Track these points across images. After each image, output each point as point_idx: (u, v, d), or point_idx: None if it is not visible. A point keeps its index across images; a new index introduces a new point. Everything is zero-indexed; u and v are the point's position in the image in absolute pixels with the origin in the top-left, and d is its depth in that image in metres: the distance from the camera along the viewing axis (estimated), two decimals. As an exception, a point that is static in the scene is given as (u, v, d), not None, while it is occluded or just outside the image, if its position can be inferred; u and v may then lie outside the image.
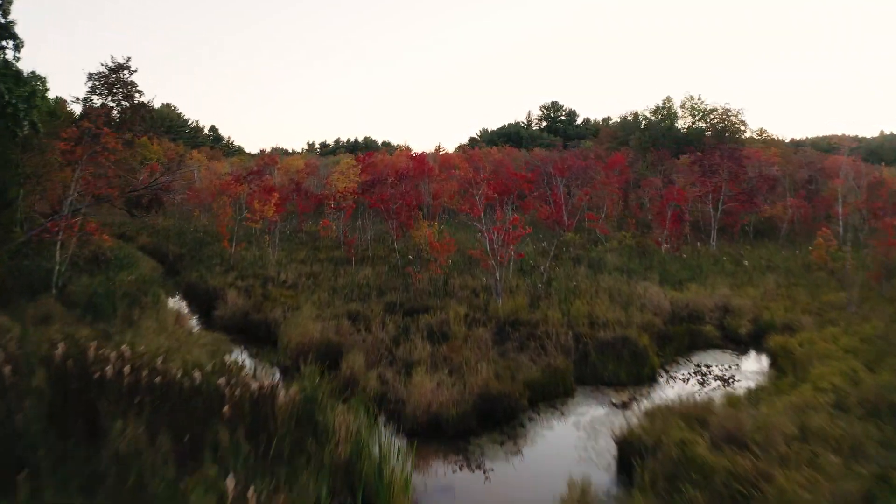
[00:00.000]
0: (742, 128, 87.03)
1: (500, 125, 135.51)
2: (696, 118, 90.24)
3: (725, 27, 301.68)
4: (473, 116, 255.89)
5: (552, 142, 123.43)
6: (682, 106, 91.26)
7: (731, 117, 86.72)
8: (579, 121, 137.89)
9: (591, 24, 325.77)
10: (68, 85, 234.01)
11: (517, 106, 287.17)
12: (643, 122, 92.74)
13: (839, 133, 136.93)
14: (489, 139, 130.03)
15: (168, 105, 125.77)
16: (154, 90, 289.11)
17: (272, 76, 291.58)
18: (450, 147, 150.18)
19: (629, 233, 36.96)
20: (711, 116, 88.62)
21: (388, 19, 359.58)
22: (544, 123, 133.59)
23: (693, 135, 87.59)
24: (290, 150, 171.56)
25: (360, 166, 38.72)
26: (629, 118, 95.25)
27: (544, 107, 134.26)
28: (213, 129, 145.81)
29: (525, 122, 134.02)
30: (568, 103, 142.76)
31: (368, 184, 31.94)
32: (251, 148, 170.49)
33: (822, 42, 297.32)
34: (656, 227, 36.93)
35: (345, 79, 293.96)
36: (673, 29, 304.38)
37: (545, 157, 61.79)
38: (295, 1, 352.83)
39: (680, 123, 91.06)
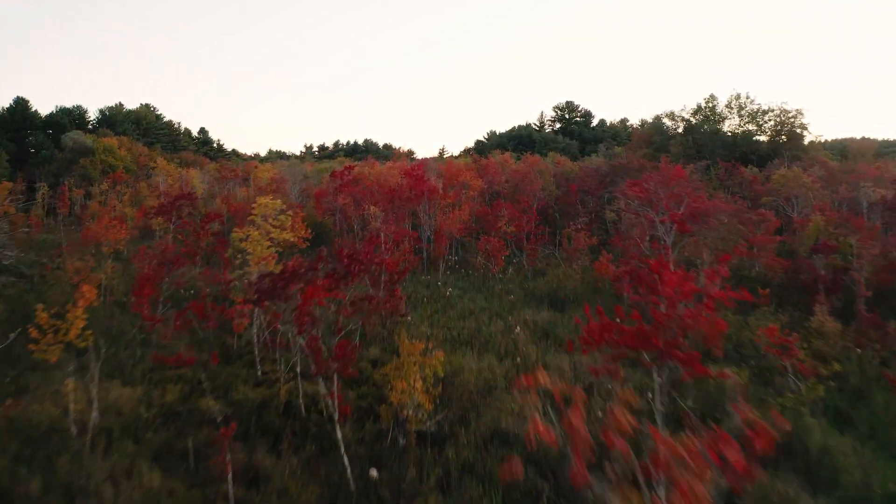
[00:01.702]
0: (802, 132, 69.07)
1: (509, 127, 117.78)
2: (745, 119, 72.21)
3: (728, 27, 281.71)
4: (479, 118, 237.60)
5: (568, 145, 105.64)
6: (729, 105, 73.15)
7: (791, 119, 68.62)
8: (594, 122, 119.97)
9: (598, 23, 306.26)
10: (68, 86, 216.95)
11: (524, 107, 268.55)
12: (681, 125, 74.96)
13: (846, 136, 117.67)
14: (498, 142, 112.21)
15: (147, 105, 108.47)
16: (154, 91, 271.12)
17: (272, 76, 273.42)
18: (455, 150, 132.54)
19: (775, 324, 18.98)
20: (766, 118, 70.55)
21: (390, 18, 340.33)
22: (558, 125, 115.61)
23: (745, 140, 69.80)
24: (289, 154, 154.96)
25: (292, 214, 21.04)
26: (663, 119, 77.42)
27: (558, 107, 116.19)
28: (202, 131, 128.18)
29: (537, 123, 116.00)
30: (580, 104, 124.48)
31: (279, 282, 13.54)
32: (250, 150, 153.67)
33: (822, 42, 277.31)
34: (829, 310, 19.27)
35: (346, 79, 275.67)
36: (682, 27, 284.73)
37: (614, 175, 42.94)
38: (296, 1, 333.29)
39: (726, 126, 73.20)
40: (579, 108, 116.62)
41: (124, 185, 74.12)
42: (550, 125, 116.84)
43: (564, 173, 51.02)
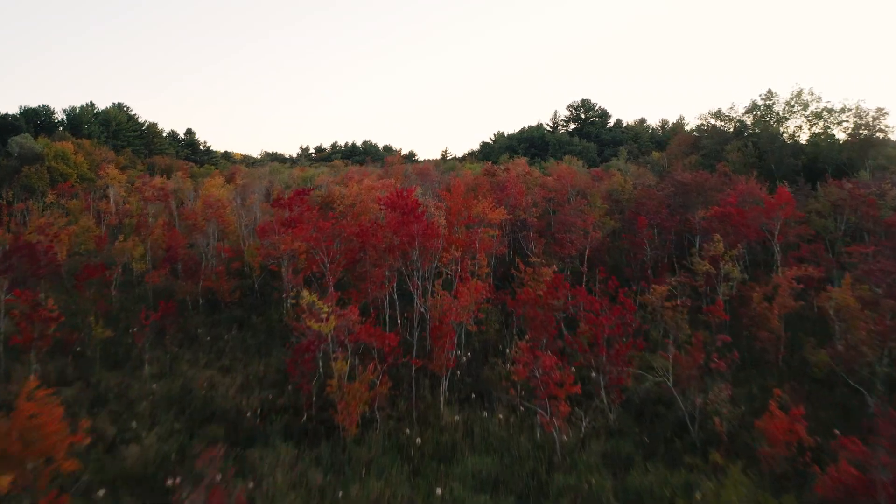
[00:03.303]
0: (885, 136, 53.42)
1: (518, 128, 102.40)
2: (811, 119, 56.64)
3: (742, 22, 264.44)
4: (483, 118, 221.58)
5: (585, 148, 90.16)
6: (789, 104, 57.67)
7: (873, 121, 52.96)
8: (611, 123, 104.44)
9: (605, 19, 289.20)
10: (67, 87, 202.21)
11: (530, 106, 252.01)
12: (732, 126, 59.56)
13: None
14: (507, 145, 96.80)
15: (118, 105, 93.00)
16: (154, 92, 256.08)
17: (272, 76, 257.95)
18: (458, 152, 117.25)
19: None
20: (841, 118, 54.97)
21: (392, 16, 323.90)
22: (573, 126, 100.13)
23: (817, 146, 54.45)
24: (287, 156, 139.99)
25: None
26: (710, 119, 61.92)
27: (572, 106, 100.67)
28: (188, 132, 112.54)
29: (550, 124, 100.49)
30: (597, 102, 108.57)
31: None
32: (247, 152, 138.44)
33: (821, 42, 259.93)
34: None
35: (346, 78, 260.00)
36: (691, 23, 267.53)
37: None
38: (296, 1, 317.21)
39: (784, 128, 57.71)
40: (596, 107, 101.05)
41: (72, 196, 59.13)
42: (564, 125, 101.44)
43: (612, 193, 35.55)
